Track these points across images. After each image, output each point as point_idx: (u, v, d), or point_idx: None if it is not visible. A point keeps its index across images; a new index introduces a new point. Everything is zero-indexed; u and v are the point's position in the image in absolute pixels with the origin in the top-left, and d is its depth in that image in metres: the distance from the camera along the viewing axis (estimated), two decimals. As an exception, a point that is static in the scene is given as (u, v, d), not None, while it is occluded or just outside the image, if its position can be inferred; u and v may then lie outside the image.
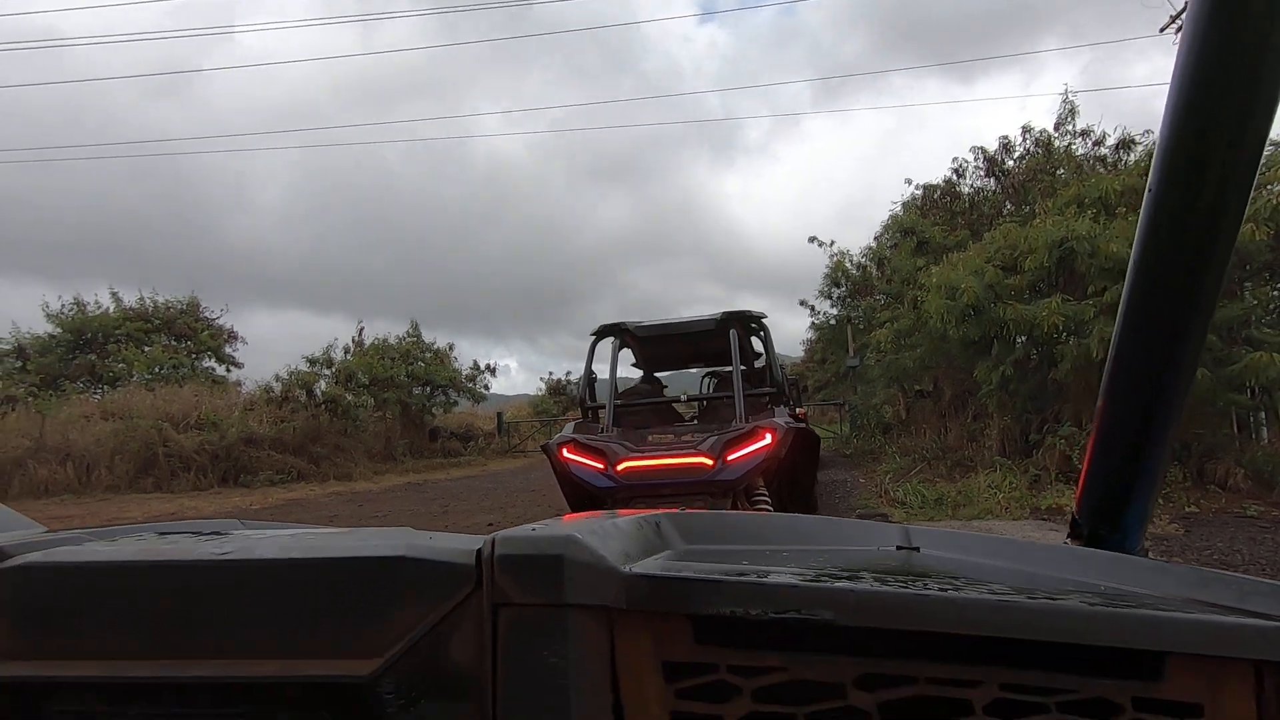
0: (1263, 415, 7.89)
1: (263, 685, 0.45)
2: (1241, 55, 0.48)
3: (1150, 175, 0.56)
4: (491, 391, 23.44)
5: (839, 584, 0.46)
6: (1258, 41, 0.48)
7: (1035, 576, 0.60)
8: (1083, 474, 0.70)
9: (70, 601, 0.48)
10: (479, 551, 0.47)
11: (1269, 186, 7.04)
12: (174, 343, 21.80)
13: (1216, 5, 0.49)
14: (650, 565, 0.50)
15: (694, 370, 7.51)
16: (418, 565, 0.46)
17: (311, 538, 0.55)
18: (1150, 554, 0.71)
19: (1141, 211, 0.58)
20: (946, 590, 0.46)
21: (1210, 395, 6.96)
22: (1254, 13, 0.47)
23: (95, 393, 18.86)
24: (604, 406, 5.40)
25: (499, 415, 24.64)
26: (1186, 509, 6.49)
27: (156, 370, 19.36)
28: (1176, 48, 0.53)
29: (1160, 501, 6.63)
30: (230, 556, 0.48)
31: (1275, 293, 8.20)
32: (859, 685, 0.46)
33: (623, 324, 5.59)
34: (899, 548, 0.73)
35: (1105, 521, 0.69)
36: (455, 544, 0.49)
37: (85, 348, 20.41)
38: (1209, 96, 0.50)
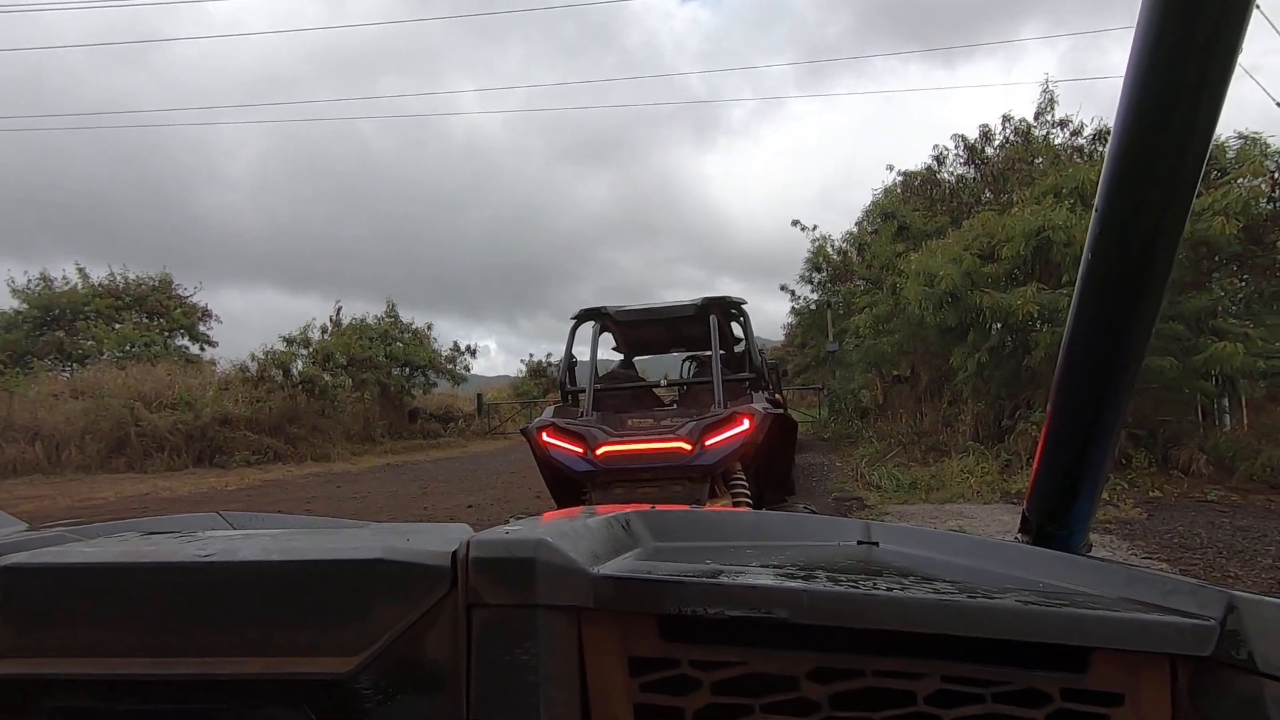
0: (1226, 403, 8.13)
1: (246, 682, 0.47)
2: (1188, 55, 0.51)
3: (1100, 181, 0.59)
4: (471, 373, 23.38)
5: (794, 584, 0.49)
6: (1205, 42, 0.50)
7: (982, 573, 0.64)
8: (1032, 475, 0.73)
9: (56, 602, 0.49)
10: (454, 554, 0.49)
11: (1239, 180, 7.18)
12: (146, 320, 21.38)
13: (1165, 5, 0.51)
14: (618, 566, 0.52)
15: (675, 355, 7.55)
16: (395, 567, 0.48)
17: (292, 538, 0.57)
18: (1092, 550, 0.75)
19: (1090, 222, 0.61)
20: (894, 590, 0.49)
21: (1177, 383, 7.15)
22: (1203, 13, 0.50)
23: (64, 370, 18.48)
24: (584, 390, 5.42)
25: (479, 397, 24.56)
26: (1150, 494, 6.69)
27: (128, 348, 19.01)
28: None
29: (1126, 486, 6.83)
30: (213, 559, 0.50)
31: (1241, 283, 8.41)
32: (812, 678, 0.49)
33: (603, 308, 5.60)
34: (859, 543, 0.76)
35: (1052, 520, 0.73)
36: (431, 545, 0.51)
37: (53, 324, 19.95)
38: (1157, 96, 0.53)
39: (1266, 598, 0.49)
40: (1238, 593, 0.49)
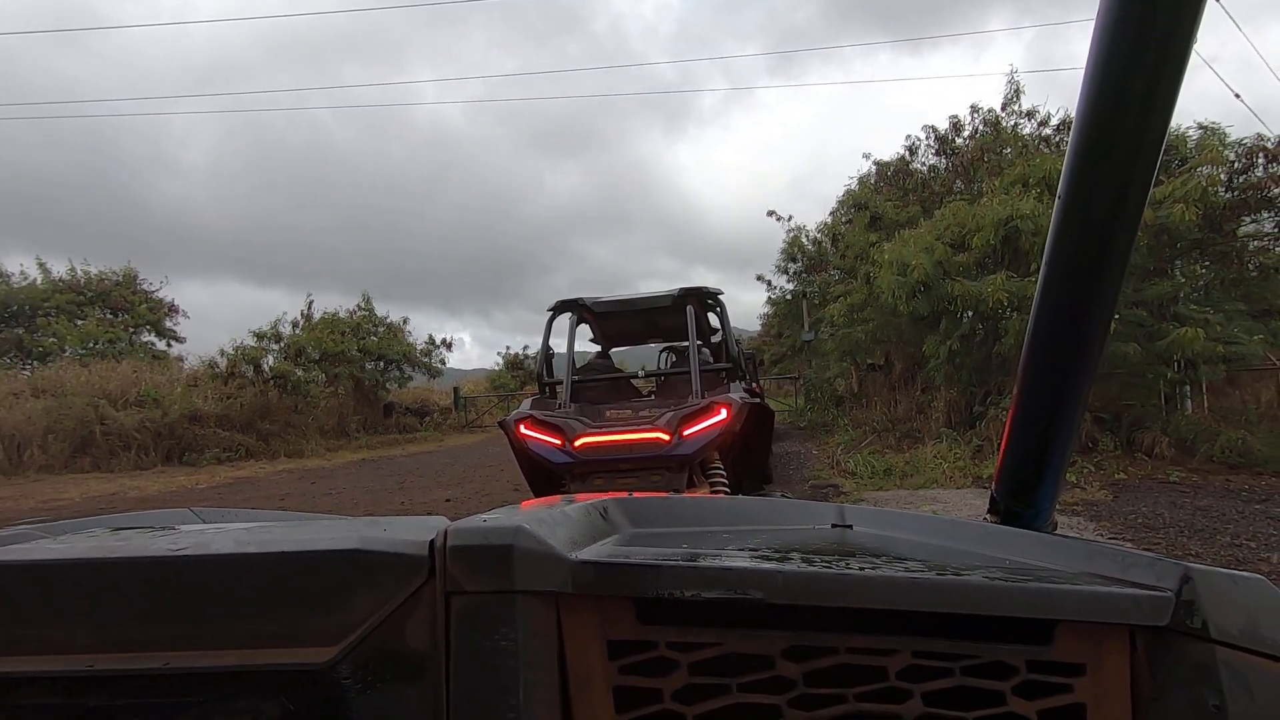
0: (1187, 387, 8.37)
1: (222, 674, 0.47)
2: (1145, 45, 0.53)
3: (1063, 168, 0.60)
4: (447, 366, 23.19)
5: (769, 565, 0.50)
6: (1161, 33, 0.52)
7: (952, 552, 0.66)
8: (999, 458, 0.76)
9: (25, 600, 0.48)
10: (431, 543, 0.49)
11: (1199, 169, 7.37)
12: (110, 316, 20.82)
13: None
14: (596, 551, 0.53)
15: (652, 346, 7.56)
16: (372, 557, 0.48)
17: (266, 531, 0.56)
18: (1058, 529, 0.78)
19: (1053, 210, 0.63)
20: (866, 569, 0.50)
21: (1140, 368, 7.34)
22: (1159, 4, 0.51)
23: (24, 368, 17.94)
24: (562, 382, 5.41)
25: (455, 390, 24.36)
26: (1116, 476, 6.88)
27: (91, 345, 18.51)
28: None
29: (1092, 469, 7.01)
30: (186, 552, 0.49)
31: (1202, 270, 8.64)
32: (787, 656, 0.50)
33: (580, 299, 5.59)
34: (833, 526, 0.77)
35: (1019, 500, 0.75)
36: (408, 535, 0.51)
37: (11, 321, 19.36)
38: (1115, 84, 0.54)
39: (1218, 569, 0.51)
40: (1192, 564, 0.51)
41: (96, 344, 18.64)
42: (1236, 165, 8.07)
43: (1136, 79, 0.54)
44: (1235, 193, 8.11)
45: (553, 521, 0.54)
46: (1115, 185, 0.57)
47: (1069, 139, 0.60)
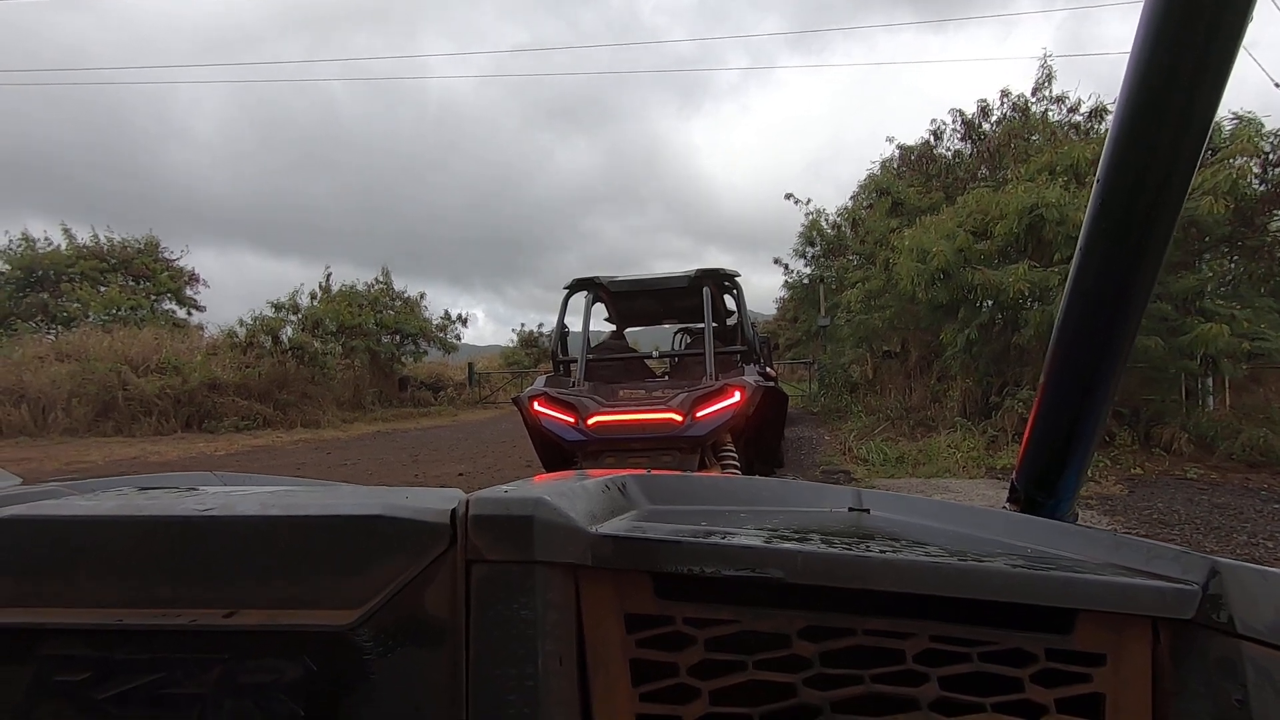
0: (1209, 383, 8.23)
1: (246, 633, 0.48)
2: (1192, 33, 0.51)
3: (1102, 154, 0.59)
4: (462, 342, 23.36)
5: (788, 545, 0.50)
6: (1209, 19, 0.50)
7: (971, 538, 0.65)
8: (1022, 445, 0.75)
9: (54, 553, 0.50)
10: (453, 511, 0.50)
11: (1230, 160, 7.17)
12: (132, 283, 21.11)
13: None
14: (615, 525, 0.53)
15: (666, 326, 7.54)
16: (395, 524, 0.49)
17: (290, 495, 0.57)
18: (1079, 519, 0.77)
19: (1090, 197, 0.61)
20: (886, 552, 0.50)
21: (1162, 363, 7.22)
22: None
23: (49, 333, 18.28)
24: (576, 360, 5.43)
25: (470, 366, 24.55)
26: (1132, 471, 6.80)
27: (114, 312, 18.80)
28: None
29: (1108, 463, 6.94)
30: (212, 513, 0.50)
31: (1230, 265, 8.45)
32: (803, 636, 0.50)
33: (596, 278, 5.58)
34: (850, 509, 0.77)
35: (1041, 489, 0.74)
36: (431, 503, 0.51)
37: (36, 286, 19.67)
38: (1162, 69, 0.53)
39: (1247, 564, 0.51)
40: (1220, 559, 0.51)
41: (119, 310, 18.93)
42: (1271, 156, 7.84)
43: (1185, 58, 0.52)
44: (1269, 185, 7.89)
45: (573, 495, 0.54)
46: (1158, 170, 0.56)
47: (1110, 122, 0.58)
